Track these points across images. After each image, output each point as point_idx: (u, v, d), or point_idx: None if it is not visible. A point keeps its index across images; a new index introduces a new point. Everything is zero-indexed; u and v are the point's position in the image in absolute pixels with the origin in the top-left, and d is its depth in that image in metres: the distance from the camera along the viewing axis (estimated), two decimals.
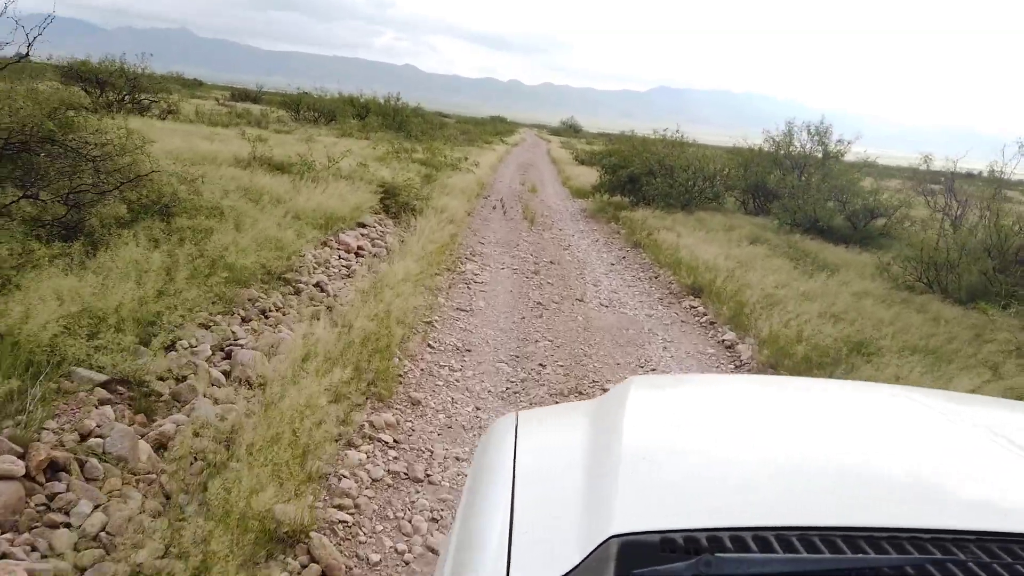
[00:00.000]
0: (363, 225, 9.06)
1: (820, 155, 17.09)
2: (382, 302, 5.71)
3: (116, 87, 21.39)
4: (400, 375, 5.27)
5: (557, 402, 5.32)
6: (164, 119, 21.57)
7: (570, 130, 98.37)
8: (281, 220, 6.99)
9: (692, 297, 9.03)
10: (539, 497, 1.15)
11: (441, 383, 5.41)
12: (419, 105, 39.85)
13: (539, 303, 8.19)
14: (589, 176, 24.96)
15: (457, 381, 5.51)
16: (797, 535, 0.90)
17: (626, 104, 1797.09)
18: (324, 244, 7.49)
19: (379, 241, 8.72)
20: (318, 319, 5.25)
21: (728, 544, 0.89)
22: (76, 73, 20.76)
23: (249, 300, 5.28)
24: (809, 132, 17.00)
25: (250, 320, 5.03)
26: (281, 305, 5.43)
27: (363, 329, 5.11)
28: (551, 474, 1.28)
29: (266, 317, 5.21)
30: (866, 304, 7.56)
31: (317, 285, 6.15)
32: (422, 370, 5.57)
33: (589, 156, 31.62)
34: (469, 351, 6.25)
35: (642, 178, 16.26)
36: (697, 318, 8.24)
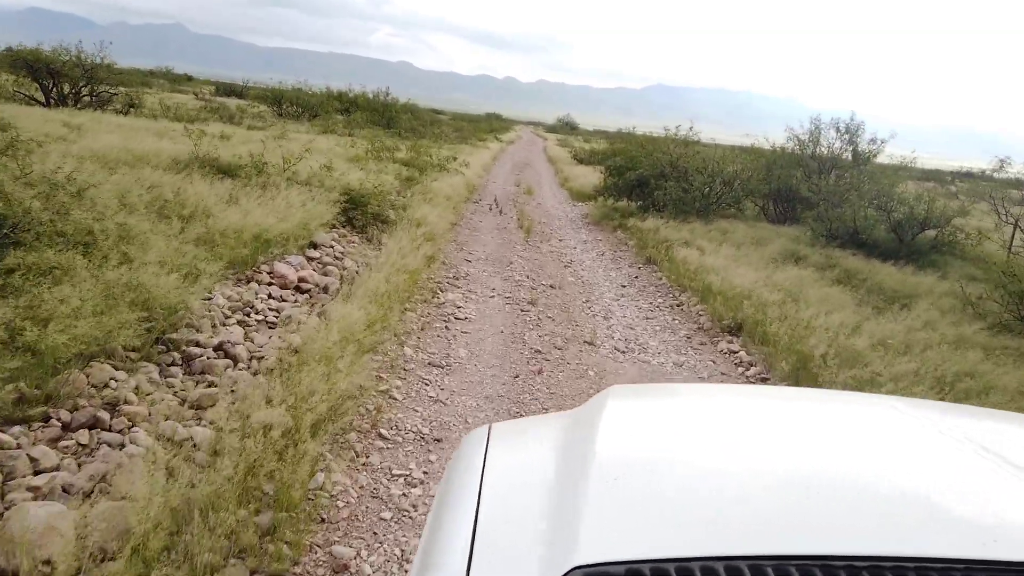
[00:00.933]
0: (315, 246, 7.20)
1: (849, 156, 15.27)
2: (297, 388, 3.81)
3: (71, 78, 19.46)
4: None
5: None
6: (126, 113, 19.70)
7: (567, 127, 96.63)
8: (184, 247, 5.13)
9: (729, 336, 7.19)
10: (503, 519, 1.08)
11: (390, 518, 3.53)
12: (410, 101, 37.92)
13: (537, 350, 6.34)
14: (590, 176, 23.13)
15: (416, 510, 3.62)
16: (773, 566, 0.84)
17: (623, 102, 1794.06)
18: (249, 279, 5.62)
19: (334, 267, 6.85)
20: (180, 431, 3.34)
21: (698, 575, 0.83)
22: (25, 62, 18.81)
23: (73, 398, 3.31)
24: (838, 130, 15.17)
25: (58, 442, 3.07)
26: (135, 399, 3.50)
27: (244, 458, 3.18)
28: (518, 494, 1.18)
29: (93, 430, 3.24)
30: (971, 358, 5.72)
31: (220, 348, 4.28)
32: (356, 498, 3.69)
33: (589, 155, 29.75)
34: (439, 441, 4.39)
35: (652, 181, 14.43)
36: (741, 369, 6.40)
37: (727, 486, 1.09)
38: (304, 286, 5.82)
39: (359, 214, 8.77)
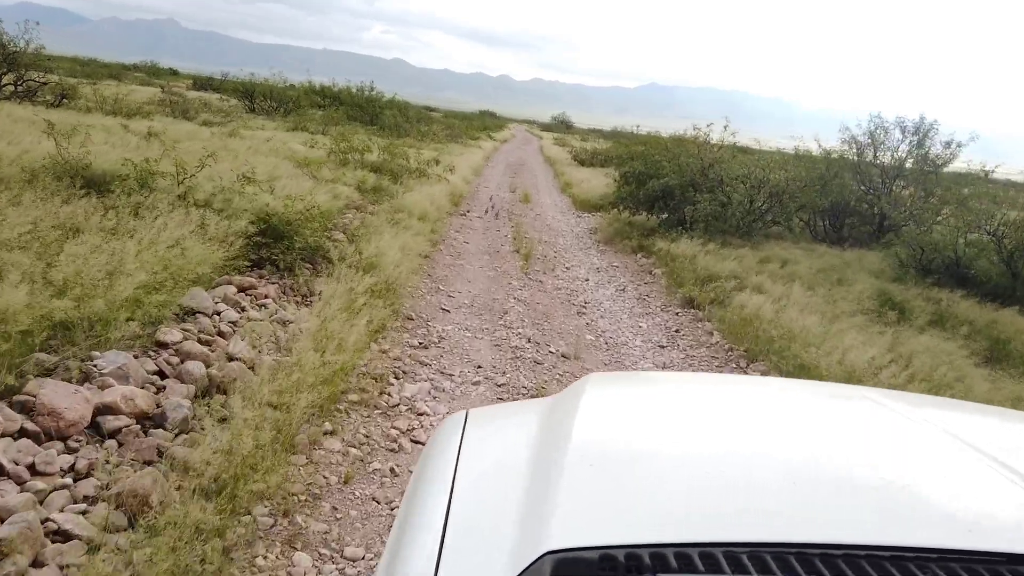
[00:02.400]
0: (189, 315, 4.35)
1: (912, 162, 12.55)
2: None
3: None
4: None
5: None
6: (57, 105, 16.84)
7: (562, 126, 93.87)
8: None
9: None
10: (476, 504, 1.07)
11: None
12: (397, 96, 35.06)
13: None
14: (594, 181, 20.33)
15: None
16: (747, 552, 0.83)
17: (617, 101, 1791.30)
18: None
19: (200, 360, 3.98)
20: None
21: (672, 562, 0.82)
22: None
23: None
24: (904, 131, 12.44)
25: None
26: None
27: None
28: (492, 479, 1.18)
29: None
30: None
31: None
32: None
33: (591, 156, 27.00)
34: None
35: (677, 191, 11.67)
36: None
37: (703, 474, 1.08)
38: (112, 422, 3.05)
39: (281, 250, 5.94)
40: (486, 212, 13.26)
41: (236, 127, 16.12)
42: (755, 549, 0.84)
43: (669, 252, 10.42)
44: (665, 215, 11.95)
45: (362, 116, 30.50)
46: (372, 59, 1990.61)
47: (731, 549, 0.84)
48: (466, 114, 76.86)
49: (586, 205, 16.92)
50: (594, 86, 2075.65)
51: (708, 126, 12.34)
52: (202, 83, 50.59)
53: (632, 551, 0.83)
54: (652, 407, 1.44)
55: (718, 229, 10.81)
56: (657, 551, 0.83)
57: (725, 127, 12.12)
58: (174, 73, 69.42)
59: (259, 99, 29.33)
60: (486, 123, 61.12)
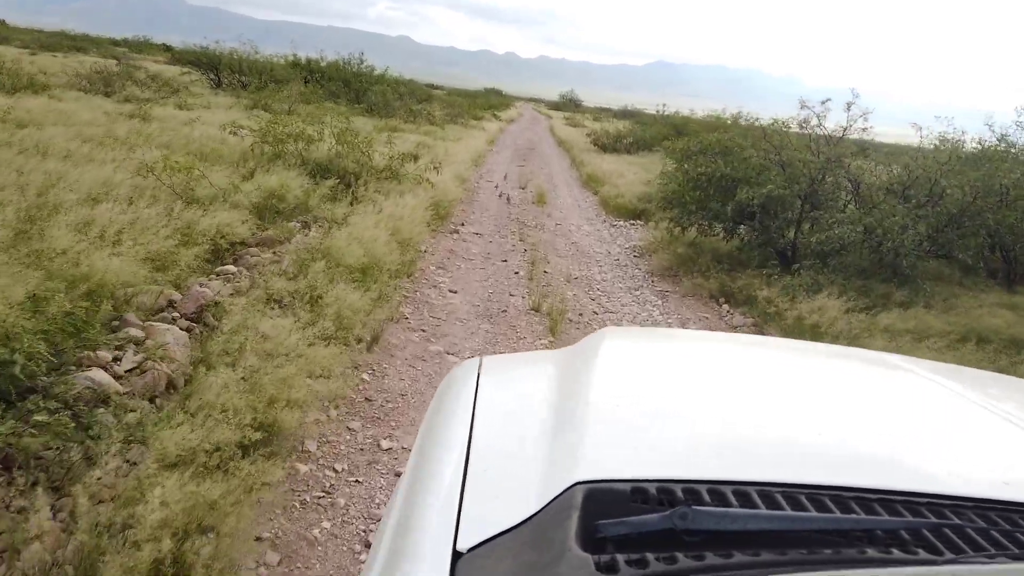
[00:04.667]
0: None
1: None
2: None
3: None
4: None
5: None
6: None
7: (571, 104, 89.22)
8: None
9: None
10: (499, 442, 1.05)
11: None
12: (388, 70, 30.85)
13: None
14: (627, 174, 16.17)
15: None
16: (781, 491, 0.82)
17: (623, 78, 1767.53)
18: None
19: None
20: None
21: (706, 497, 0.80)
22: None
23: None
24: None
25: None
26: None
27: None
28: (514, 418, 1.16)
29: None
30: None
31: None
32: None
33: (614, 140, 22.79)
34: None
35: (775, 208, 7.59)
36: None
37: (733, 418, 1.07)
38: None
39: None
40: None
41: (150, 107, 12.01)
42: (790, 489, 0.82)
43: (777, 307, 6.40)
44: (757, 239, 7.84)
45: (348, 93, 26.42)
46: (377, 36, 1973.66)
47: (765, 488, 0.82)
48: (471, 92, 72.42)
49: (620, 209, 12.82)
50: (600, 63, 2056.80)
51: (824, 107, 8.11)
52: (181, 56, 46.43)
53: (664, 485, 0.82)
54: (672, 357, 1.43)
55: (846, 266, 6.79)
56: (690, 486, 0.81)
57: (848, 105, 7.90)
58: (167, 48, 65.71)
59: (225, 73, 25.20)
60: (491, 101, 56.66)
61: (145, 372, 3.28)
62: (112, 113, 10.60)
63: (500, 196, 13.71)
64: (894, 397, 1.30)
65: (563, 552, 0.72)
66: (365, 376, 4.32)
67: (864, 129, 7.79)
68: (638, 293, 7.74)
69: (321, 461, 3.32)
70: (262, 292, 4.51)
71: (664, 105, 28.70)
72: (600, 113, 67.61)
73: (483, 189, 13.89)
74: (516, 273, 7.72)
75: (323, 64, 29.76)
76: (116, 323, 3.69)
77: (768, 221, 7.60)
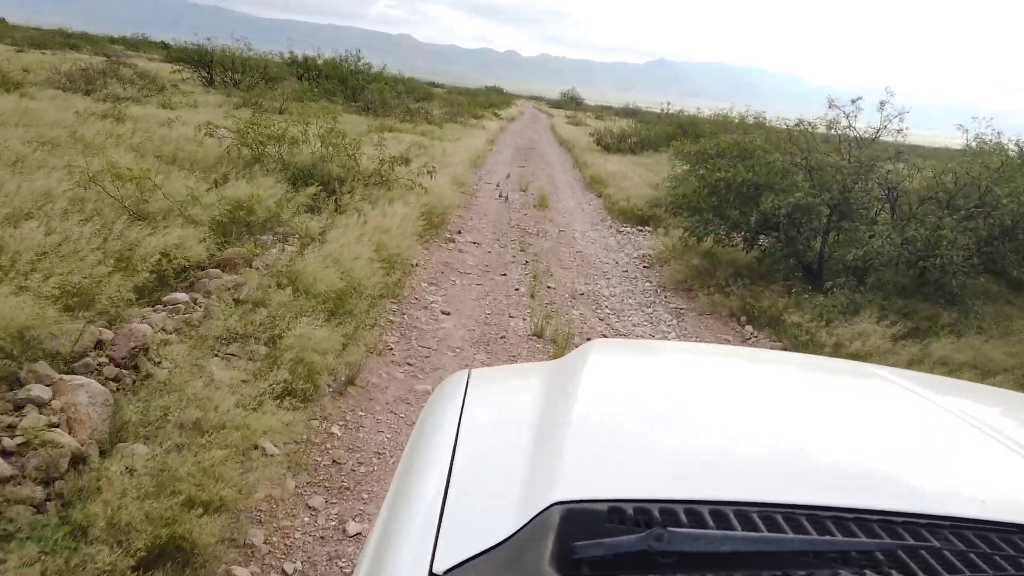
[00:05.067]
0: None
1: None
2: None
3: None
4: None
5: None
6: None
7: (572, 103, 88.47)
8: None
9: None
10: (481, 458, 1.05)
11: None
12: (385, 67, 30.13)
13: None
14: (632, 175, 15.44)
15: None
16: (758, 511, 0.82)
17: (624, 76, 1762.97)
18: None
19: None
20: None
21: (683, 517, 0.80)
22: None
23: None
24: None
25: None
26: None
27: None
28: (497, 434, 1.16)
29: None
30: None
31: None
32: None
33: (618, 139, 22.04)
34: None
35: (801, 217, 6.85)
36: None
37: (714, 436, 1.07)
38: None
39: None
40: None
41: (127, 106, 11.30)
42: (766, 509, 0.82)
43: (810, 333, 5.68)
44: (781, 251, 7.10)
45: (344, 91, 25.71)
46: (378, 34, 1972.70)
47: (742, 508, 0.82)
48: (472, 90, 71.60)
49: (627, 214, 12.09)
50: (601, 61, 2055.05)
51: (855, 105, 7.35)
52: (176, 54, 45.83)
53: (641, 505, 0.82)
54: (657, 372, 1.43)
55: (884, 283, 6.07)
56: (667, 507, 0.82)
57: (882, 103, 7.15)
58: (165, 47, 65.15)
59: (218, 70, 24.48)
60: (492, 99, 55.86)
61: (43, 447, 2.57)
62: (84, 112, 9.88)
63: (500, 196, 13.00)
64: (877, 412, 1.30)
65: (537, 574, 0.72)
66: (336, 430, 3.61)
67: (900, 131, 7.07)
68: (650, 311, 7.03)
69: (268, 559, 2.60)
70: (216, 327, 3.80)
71: (668, 103, 27.94)
72: (602, 111, 66.87)
73: (482, 192, 13.18)
74: (516, 289, 7.00)
75: (320, 62, 29.08)
76: (27, 374, 2.99)
77: (794, 232, 6.87)
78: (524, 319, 6.09)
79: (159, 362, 3.46)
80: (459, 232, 9.30)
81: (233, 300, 4.11)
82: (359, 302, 4.64)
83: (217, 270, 4.71)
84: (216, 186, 6.24)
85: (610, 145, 21.70)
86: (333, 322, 4.14)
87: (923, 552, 0.77)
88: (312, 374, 3.48)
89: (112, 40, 62.67)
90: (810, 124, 7.55)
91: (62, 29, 63.53)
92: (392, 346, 4.90)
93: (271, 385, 3.17)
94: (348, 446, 3.52)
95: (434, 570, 0.76)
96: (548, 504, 0.82)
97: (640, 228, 11.34)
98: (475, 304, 6.33)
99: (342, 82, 26.50)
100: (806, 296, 6.21)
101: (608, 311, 6.87)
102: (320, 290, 4.23)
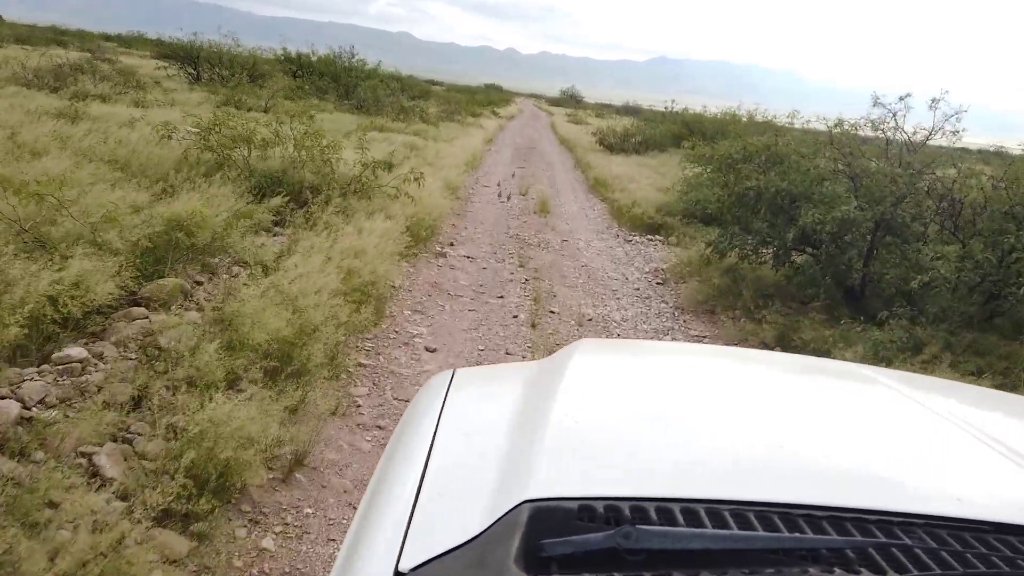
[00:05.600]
0: None
1: None
2: None
3: None
4: None
5: None
6: None
7: (571, 101, 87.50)
8: None
9: None
10: (457, 457, 1.05)
11: None
12: (380, 64, 29.16)
13: None
14: (639, 177, 14.49)
15: None
16: (730, 510, 0.81)
17: (624, 74, 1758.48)
18: None
19: None
20: None
21: (653, 515, 0.80)
22: None
23: None
24: None
25: None
26: None
27: None
28: (475, 434, 1.14)
29: None
30: None
31: None
32: None
33: (621, 139, 21.07)
34: None
35: (845, 232, 5.89)
36: None
37: (689, 435, 1.07)
38: None
39: None
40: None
41: (88, 104, 10.35)
42: (738, 507, 0.82)
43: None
44: (820, 271, 6.12)
45: (337, 89, 24.76)
46: (378, 32, 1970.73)
47: (714, 506, 0.82)
48: (471, 88, 70.52)
49: (635, 221, 11.13)
50: (601, 59, 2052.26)
51: (903, 105, 6.36)
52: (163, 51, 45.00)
53: (612, 503, 0.81)
54: (640, 372, 1.42)
55: (947, 313, 5.13)
56: (637, 504, 0.81)
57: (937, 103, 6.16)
58: (161, 43, 64.39)
59: (205, 67, 23.50)
60: (491, 97, 54.80)
61: None
62: (37, 111, 8.93)
63: (500, 197, 12.05)
64: (855, 410, 1.29)
65: (503, 572, 0.71)
66: (268, 543, 2.65)
67: (955, 133, 6.13)
68: (669, 340, 6.09)
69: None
70: (120, 392, 2.85)
71: (673, 101, 26.94)
72: (602, 110, 65.96)
73: (479, 196, 12.23)
74: (515, 316, 6.05)
75: (314, 59, 28.14)
76: None
77: (834, 249, 5.91)
78: (524, 356, 5.15)
79: (31, 452, 2.53)
80: (451, 244, 8.35)
81: (145, 353, 3.16)
82: (317, 349, 3.68)
83: (142, 309, 3.77)
84: (162, 198, 5.29)
85: (613, 145, 20.73)
86: (275, 386, 3.20)
87: (894, 550, 0.76)
88: (230, 473, 2.53)
89: (107, 38, 61.74)
90: (852, 125, 6.59)
91: (56, 26, 62.79)
92: (360, 402, 3.95)
93: (159, 502, 2.22)
94: (286, 569, 2.57)
95: (400, 568, 0.75)
96: (518, 502, 0.81)
97: (650, 237, 10.39)
98: (466, 337, 5.38)
99: (335, 79, 25.55)
100: (857, 328, 5.26)
101: (621, 333, 5.93)
102: (259, 339, 3.28)
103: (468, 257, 7.89)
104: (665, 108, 27.04)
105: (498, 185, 13.30)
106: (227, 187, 5.89)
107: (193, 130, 7.07)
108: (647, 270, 8.56)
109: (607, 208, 12.87)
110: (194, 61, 23.65)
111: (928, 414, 1.22)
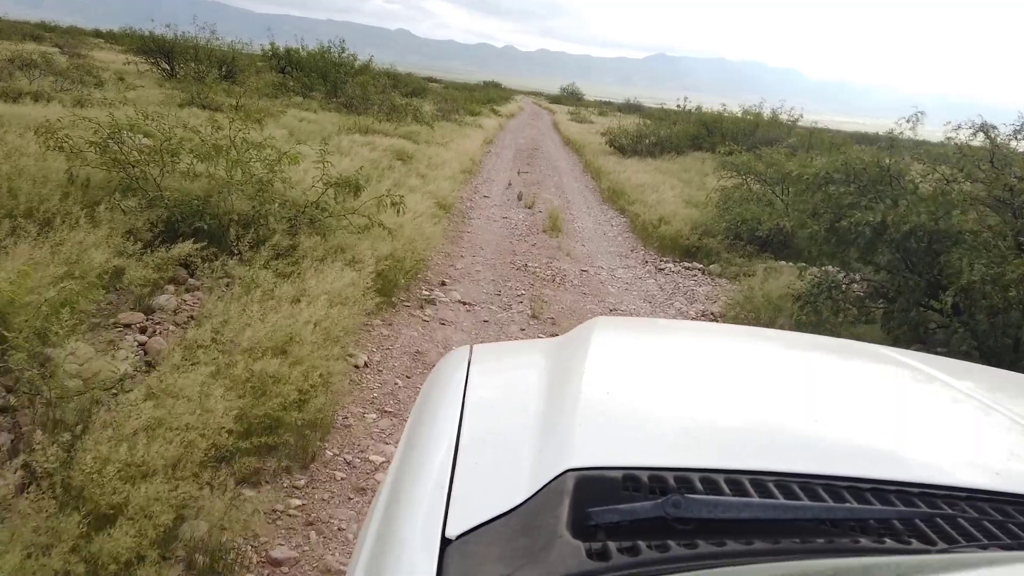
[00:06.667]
0: None
1: None
2: None
3: None
4: None
5: None
6: None
7: (572, 98, 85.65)
8: None
9: None
10: (489, 429, 1.03)
11: None
12: (371, 60, 27.24)
13: None
14: (663, 188, 12.57)
15: None
16: (774, 480, 0.81)
17: (623, 72, 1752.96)
18: None
19: None
20: None
21: (698, 485, 0.80)
22: None
23: None
24: None
25: None
26: None
27: None
28: (504, 406, 1.15)
29: None
30: None
31: None
32: None
33: (634, 140, 19.13)
34: None
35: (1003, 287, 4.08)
36: None
37: (727, 407, 1.07)
38: None
39: None
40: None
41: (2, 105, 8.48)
42: (782, 478, 0.81)
43: None
44: (969, 337, 4.27)
45: (325, 86, 22.88)
46: (376, 29, 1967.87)
47: (758, 477, 0.81)
48: (470, 85, 68.58)
49: (664, 242, 9.26)
50: (600, 56, 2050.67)
51: None
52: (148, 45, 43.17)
53: (656, 473, 0.81)
54: (663, 348, 1.40)
55: None
56: (682, 474, 0.81)
57: None
58: (130, 37, 63.15)
59: (180, 62, 21.58)
60: (490, 95, 52.84)
61: None
62: None
63: (501, 213, 10.18)
64: (889, 389, 1.29)
65: (554, 539, 0.71)
66: None
67: None
68: None
69: None
70: None
71: (685, 99, 24.99)
72: (603, 107, 64.12)
73: (477, 211, 10.35)
74: None
75: (303, 54, 26.28)
76: None
77: (1000, 315, 4.03)
78: None
79: None
80: (442, 283, 6.49)
81: None
82: None
83: None
84: None
85: (625, 147, 18.81)
86: None
87: (940, 520, 0.76)
88: None
89: (99, 34, 59.94)
90: (1007, 136, 4.68)
91: (45, 23, 61.19)
92: None
93: None
94: None
95: (447, 535, 0.75)
96: (562, 471, 0.80)
97: (687, 265, 8.51)
98: None
99: (323, 76, 23.67)
100: None
101: None
102: None
103: (464, 304, 6.03)
104: (677, 105, 25.08)
105: (508, 186, 11.38)
106: (101, 230, 4.01)
107: (87, 138, 5.18)
108: (692, 314, 6.71)
109: (627, 223, 11.00)
110: (167, 56, 21.75)
111: (962, 395, 1.21)
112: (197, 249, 4.09)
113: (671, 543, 0.68)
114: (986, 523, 0.77)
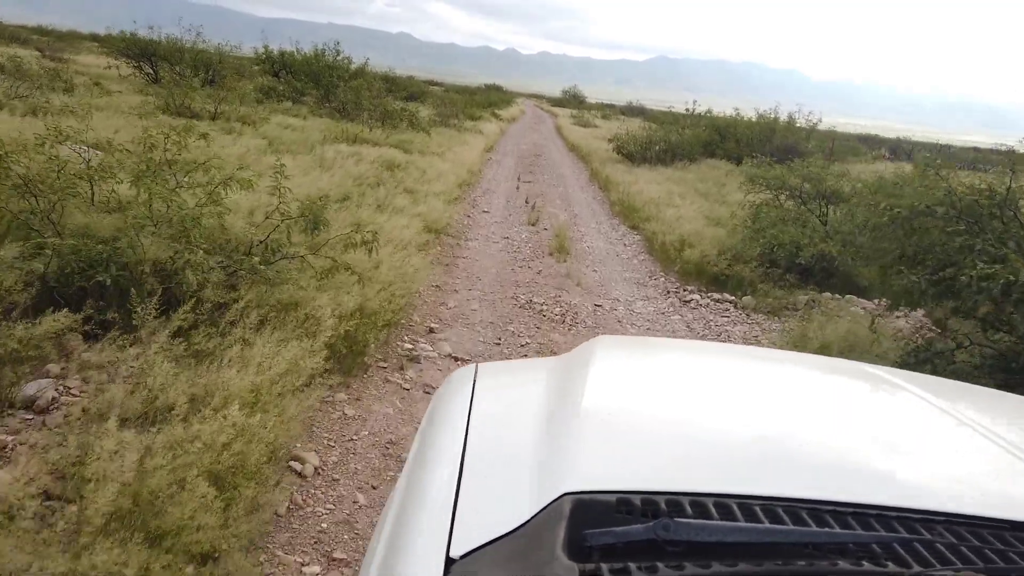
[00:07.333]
0: None
1: None
2: None
3: None
4: None
5: None
6: None
7: (574, 101, 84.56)
8: None
9: None
10: (492, 450, 1.06)
11: None
12: (367, 63, 26.13)
13: None
14: (683, 203, 11.43)
15: None
16: (761, 505, 0.84)
17: (624, 74, 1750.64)
18: None
19: None
20: None
21: (688, 509, 0.82)
22: None
23: None
24: None
25: None
26: None
27: None
28: (507, 427, 1.16)
29: None
30: None
31: None
32: None
33: (643, 147, 17.94)
34: None
35: None
36: None
37: (718, 431, 1.08)
38: None
39: None
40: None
41: None
42: (768, 503, 0.83)
43: None
44: None
45: (317, 90, 21.81)
46: (377, 32, 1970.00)
47: (745, 501, 0.83)
48: (471, 88, 67.40)
49: (688, 267, 8.11)
50: (601, 59, 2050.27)
51: None
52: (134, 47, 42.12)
53: (649, 497, 0.83)
54: (665, 370, 1.42)
55: None
56: (673, 498, 0.83)
57: None
58: (110, 39, 62.41)
59: (164, 66, 20.47)
60: (491, 98, 51.59)
61: None
62: None
63: (503, 238, 9.05)
64: (876, 411, 1.30)
65: (551, 560, 0.73)
66: None
67: None
68: None
69: None
70: None
71: (695, 102, 23.82)
72: (606, 110, 63.07)
73: (474, 231, 9.22)
74: None
75: (298, 57, 25.23)
76: None
77: None
78: None
79: None
80: (430, 330, 5.36)
81: None
82: None
83: None
84: None
85: (634, 154, 17.64)
86: None
87: (917, 545, 0.78)
88: None
89: (95, 38, 58.99)
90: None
91: (42, 27, 60.51)
92: None
93: None
94: None
95: (451, 554, 0.77)
96: (560, 493, 0.83)
97: (716, 297, 7.36)
98: None
99: (316, 80, 22.58)
100: None
101: None
102: None
103: (456, 359, 4.89)
104: (686, 109, 23.90)
105: (509, 200, 10.28)
106: None
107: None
108: None
109: (642, 242, 9.86)
110: (151, 59, 20.66)
111: (944, 416, 1.22)
112: (79, 321, 2.96)
113: (659, 564, 0.71)
114: (962, 548, 0.78)
